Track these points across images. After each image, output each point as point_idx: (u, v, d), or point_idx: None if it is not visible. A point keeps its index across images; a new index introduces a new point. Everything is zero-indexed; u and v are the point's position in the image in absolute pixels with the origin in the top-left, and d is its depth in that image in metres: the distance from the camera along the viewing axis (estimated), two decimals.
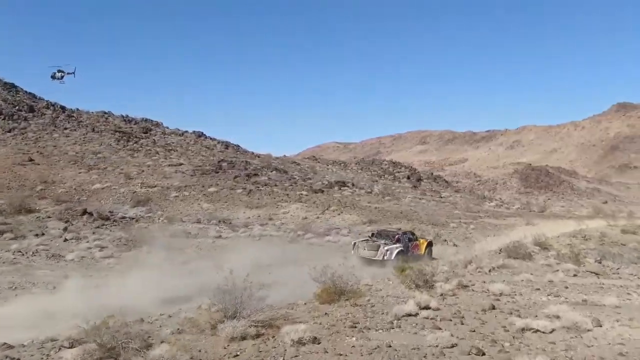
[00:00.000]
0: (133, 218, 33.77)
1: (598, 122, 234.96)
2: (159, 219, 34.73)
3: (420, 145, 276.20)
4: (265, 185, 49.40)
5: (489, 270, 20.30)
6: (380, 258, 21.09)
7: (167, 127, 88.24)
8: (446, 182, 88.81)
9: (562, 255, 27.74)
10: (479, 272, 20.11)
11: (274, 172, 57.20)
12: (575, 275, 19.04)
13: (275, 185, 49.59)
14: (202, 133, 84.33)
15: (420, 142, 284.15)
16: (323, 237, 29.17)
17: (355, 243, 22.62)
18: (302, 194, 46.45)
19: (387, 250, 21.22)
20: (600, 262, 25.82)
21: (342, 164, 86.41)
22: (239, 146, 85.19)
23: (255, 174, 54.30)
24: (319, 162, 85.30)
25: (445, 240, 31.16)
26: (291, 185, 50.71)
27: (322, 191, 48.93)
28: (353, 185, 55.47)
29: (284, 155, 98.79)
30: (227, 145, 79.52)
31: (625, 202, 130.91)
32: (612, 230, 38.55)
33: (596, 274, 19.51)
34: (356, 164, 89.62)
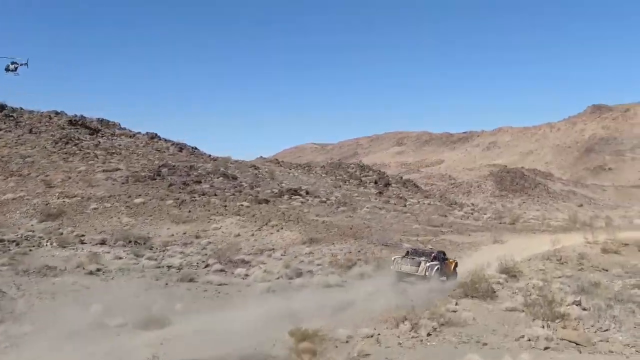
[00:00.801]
0: (14, 241, 27.14)
1: (573, 124, 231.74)
2: (48, 241, 28.13)
3: (397, 147, 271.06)
4: (204, 194, 42.97)
5: (428, 334, 14.22)
6: (422, 274, 21.73)
7: (125, 128, 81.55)
8: (416, 186, 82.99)
9: (532, 293, 21.90)
10: (413, 337, 14.02)
11: (221, 178, 50.78)
12: (547, 348, 13.00)
13: (215, 195, 43.18)
14: (156, 134, 77.47)
15: (397, 143, 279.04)
16: (235, 269, 22.83)
17: (394, 259, 22.99)
18: (242, 206, 40.10)
19: (428, 266, 21.83)
20: (579, 304, 19.97)
21: (306, 168, 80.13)
22: (195, 149, 78.51)
23: (198, 181, 47.84)
24: (281, 165, 78.96)
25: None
26: (234, 194, 44.32)
27: (268, 201, 42.64)
28: (307, 193, 49.25)
29: (261, 156, 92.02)
30: (181, 147, 72.79)
31: (600, 205, 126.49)
32: (591, 249, 32.83)
33: (577, 344, 13.48)
34: (322, 167, 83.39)
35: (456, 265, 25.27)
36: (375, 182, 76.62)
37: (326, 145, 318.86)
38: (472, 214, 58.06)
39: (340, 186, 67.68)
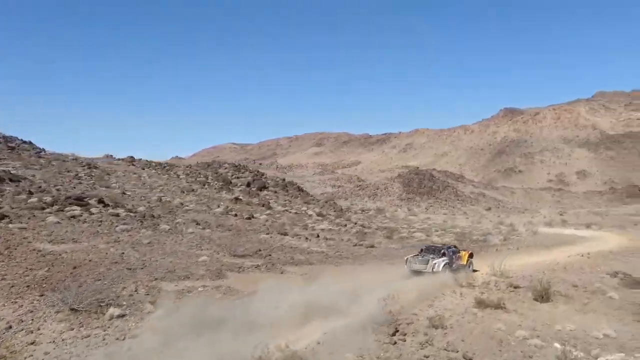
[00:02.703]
0: None
1: (486, 127, 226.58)
2: None
3: (316, 147, 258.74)
4: None
5: None
6: (430, 270, 22.34)
7: None
8: (300, 190, 69.05)
9: None
10: None
11: None
12: None
13: None
14: None
15: (317, 144, 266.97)
16: None
17: (407, 259, 23.62)
18: None
19: (435, 263, 22.47)
20: None
21: (165, 168, 64.38)
22: (27, 143, 61.58)
23: None
24: (134, 165, 63.08)
25: None
26: None
27: (5, 217, 27.03)
28: (101, 202, 33.83)
29: (177, 156, 75.61)
30: None
31: (509, 208, 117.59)
32: (461, 300, 19.47)
33: None
34: (187, 167, 67.96)
35: (471, 255, 25.84)
36: (248, 185, 62.33)
37: (246, 146, 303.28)
38: (344, 225, 44.61)
39: (193, 190, 52.75)
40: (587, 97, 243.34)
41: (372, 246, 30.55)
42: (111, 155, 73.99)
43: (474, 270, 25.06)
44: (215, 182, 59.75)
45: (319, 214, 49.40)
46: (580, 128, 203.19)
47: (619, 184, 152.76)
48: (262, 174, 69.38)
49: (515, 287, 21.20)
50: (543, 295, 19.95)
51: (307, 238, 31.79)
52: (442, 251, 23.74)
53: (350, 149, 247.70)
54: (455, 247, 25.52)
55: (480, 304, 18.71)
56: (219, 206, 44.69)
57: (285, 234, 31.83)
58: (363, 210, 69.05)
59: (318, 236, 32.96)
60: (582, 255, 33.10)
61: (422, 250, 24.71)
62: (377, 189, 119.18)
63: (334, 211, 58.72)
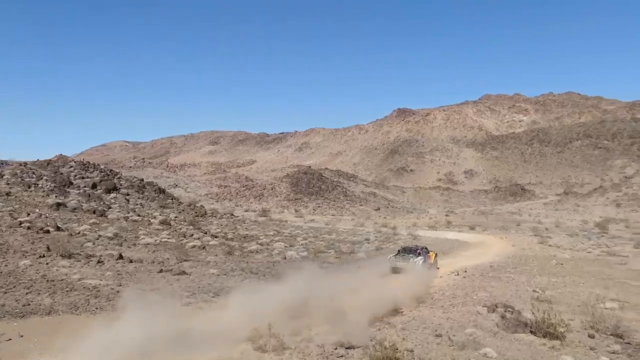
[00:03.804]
0: None
1: (380, 126, 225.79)
2: None
3: (211, 146, 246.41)
4: None
5: None
6: (412, 267, 25.10)
7: None
8: (160, 191, 59.31)
9: None
10: None
11: None
12: None
13: None
14: None
15: (212, 142, 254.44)
16: None
17: (390, 257, 27.00)
18: None
19: (415, 261, 25.68)
20: None
21: None
22: None
23: None
24: None
25: None
26: None
27: None
28: None
29: (61, 155, 61.67)
30: None
31: (398, 207, 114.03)
32: None
33: None
34: (20, 165, 55.91)
35: (436, 255, 29.17)
36: (94, 186, 51.78)
37: (138, 144, 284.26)
38: (190, 235, 35.98)
39: (9, 194, 41.81)
40: (475, 99, 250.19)
41: (184, 272, 22.15)
42: None
43: (437, 268, 28.14)
44: (49, 184, 48.67)
45: (162, 222, 40.28)
46: (468, 129, 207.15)
47: (503, 183, 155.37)
48: (116, 174, 58.77)
49: (347, 348, 13.55)
50: None
51: (99, 261, 22.78)
52: (418, 251, 27.11)
53: (247, 148, 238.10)
54: (426, 248, 29.06)
55: None
56: (28, 214, 34.45)
57: (69, 256, 22.63)
58: (231, 215, 60.52)
59: (121, 257, 24.01)
60: (458, 274, 26.70)
61: (399, 251, 28.05)
62: (264, 189, 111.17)
63: (194, 216, 49.84)
